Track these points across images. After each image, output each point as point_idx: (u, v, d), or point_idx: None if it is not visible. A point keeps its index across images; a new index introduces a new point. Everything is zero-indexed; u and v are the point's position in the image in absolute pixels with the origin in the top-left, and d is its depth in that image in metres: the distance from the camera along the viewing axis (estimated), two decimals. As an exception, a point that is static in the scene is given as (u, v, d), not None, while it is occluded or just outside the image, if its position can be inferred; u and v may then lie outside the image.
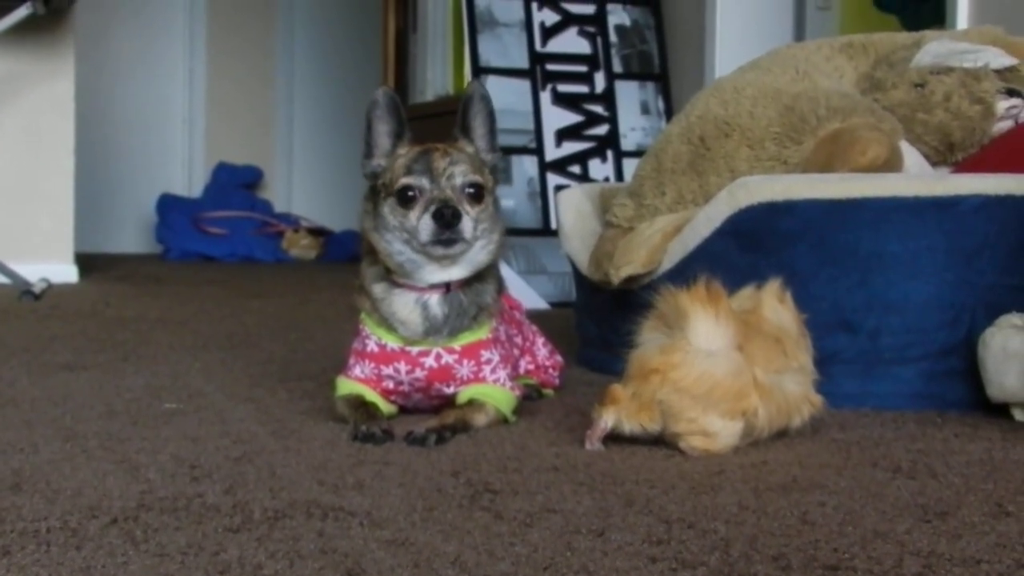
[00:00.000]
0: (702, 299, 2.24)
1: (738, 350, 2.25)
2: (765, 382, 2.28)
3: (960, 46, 3.22)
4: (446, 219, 2.36)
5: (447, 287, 2.47)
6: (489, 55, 5.84)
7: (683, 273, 2.91)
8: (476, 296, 2.51)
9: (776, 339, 2.35)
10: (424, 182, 2.41)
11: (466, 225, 2.39)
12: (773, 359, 2.32)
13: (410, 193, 2.41)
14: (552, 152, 5.76)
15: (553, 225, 4.47)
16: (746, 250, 2.83)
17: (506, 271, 4.05)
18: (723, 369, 2.22)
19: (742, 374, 2.24)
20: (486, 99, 2.54)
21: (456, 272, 2.47)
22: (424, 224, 2.38)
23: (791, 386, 2.34)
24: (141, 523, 1.68)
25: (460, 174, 2.42)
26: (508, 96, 5.66)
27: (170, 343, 3.75)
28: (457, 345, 2.48)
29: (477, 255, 2.48)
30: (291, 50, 9.78)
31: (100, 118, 8.79)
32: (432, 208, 2.37)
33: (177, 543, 1.59)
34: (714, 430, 2.22)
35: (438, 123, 2.63)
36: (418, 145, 2.48)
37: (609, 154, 5.81)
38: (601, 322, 3.38)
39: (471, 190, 2.43)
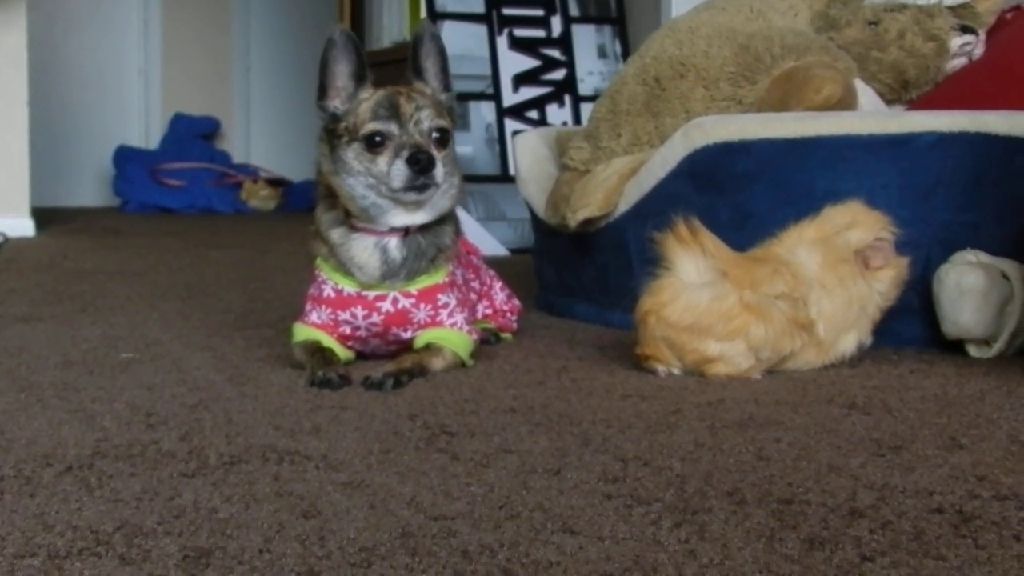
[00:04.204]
0: (684, 238, 2.38)
1: (723, 276, 2.37)
2: (755, 302, 2.36)
3: (914, -17, 3.22)
4: (422, 164, 2.35)
5: (406, 231, 2.46)
6: (445, 0, 5.80)
7: (640, 215, 2.92)
8: (435, 238, 2.50)
9: (773, 268, 2.42)
10: (392, 127, 2.40)
11: (438, 170, 2.38)
12: (762, 281, 2.39)
13: (378, 138, 2.39)
14: (510, 98, 5.73)
15: (512, 171, 4.45)
16: (702, 190, 2.83)
17: (465, 217, 4.04)
18: (707, 296, 2.36)
19: (726, 298, 2.36)
20: (436, 37, 2.53)
21: (421, 216, 2.46)
22: (397, 170, 2.37)
23: (785, 310, 2.40)
24: (96, 470, 1.67)
25: (427, 118, 2.41)
26: (465, 41, 5.63)
27: (128, 294, 3.73)
28: (414, 289, 2.47)
29: (440, 200, 2.47)
30: (247, -1, 9.69)
31: (54, 70, 8.68)
32: (405, 154, 2.36)
33: (132, 489, 1.58)
34: (716, 354, 2.37)
35: (395, 69, 2.60)
36: (380, 88, 2.46)
37: (567, 99, 5.79)
38: (559, 266, 3.38)
39: (437, 134, 2.43)
